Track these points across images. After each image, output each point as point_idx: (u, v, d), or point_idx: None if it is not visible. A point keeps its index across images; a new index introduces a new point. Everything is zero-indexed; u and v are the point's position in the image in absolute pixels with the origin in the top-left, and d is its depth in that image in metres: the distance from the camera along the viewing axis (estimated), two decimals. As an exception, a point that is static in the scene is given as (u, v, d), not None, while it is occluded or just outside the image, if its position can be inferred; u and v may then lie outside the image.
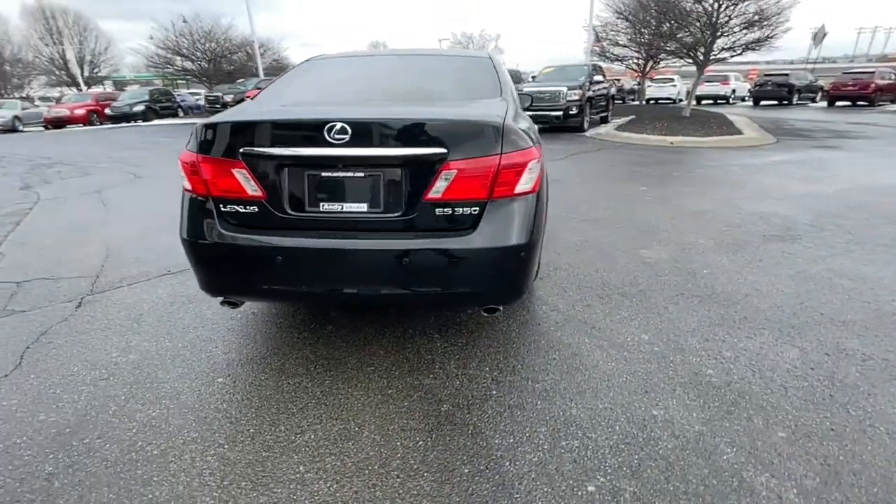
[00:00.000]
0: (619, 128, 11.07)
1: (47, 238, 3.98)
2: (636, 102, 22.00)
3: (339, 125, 1.64)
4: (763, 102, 20.72)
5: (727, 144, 8.67)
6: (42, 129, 18.55)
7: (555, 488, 1.42)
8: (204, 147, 1.78)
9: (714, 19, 10.50)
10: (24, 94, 24.78)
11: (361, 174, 1.72)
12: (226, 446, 1.62)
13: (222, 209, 1.81)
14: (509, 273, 1.83)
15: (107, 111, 19.23)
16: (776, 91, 20.19)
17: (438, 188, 1.69)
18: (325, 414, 1.77)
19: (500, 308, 1.96)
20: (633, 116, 13.73)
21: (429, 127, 1.69)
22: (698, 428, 1.66)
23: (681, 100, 21.75)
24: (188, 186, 1.85)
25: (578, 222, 4.09)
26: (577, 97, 10.59)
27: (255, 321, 2.46)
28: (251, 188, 1.75)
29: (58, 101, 24.17)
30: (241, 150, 1.72)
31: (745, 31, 11.10)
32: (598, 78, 11.71)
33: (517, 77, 16.55)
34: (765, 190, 5.18)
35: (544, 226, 2.07)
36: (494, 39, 49.64)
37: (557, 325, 2.37)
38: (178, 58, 25.83)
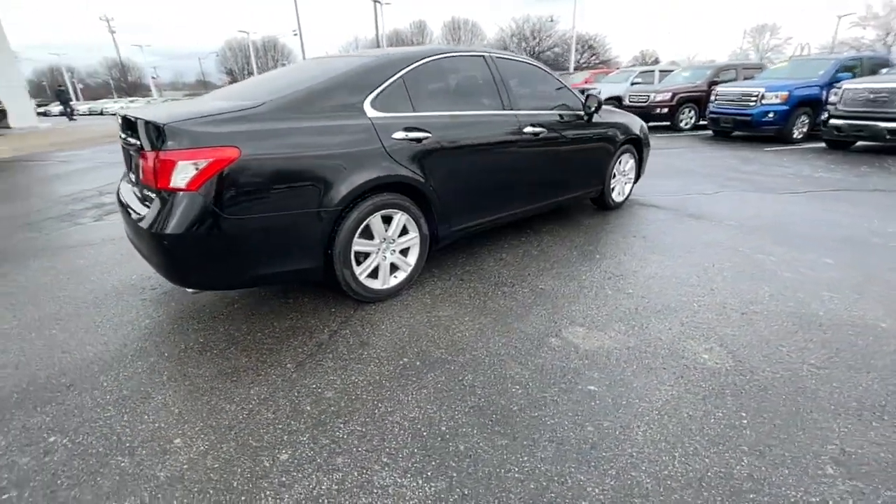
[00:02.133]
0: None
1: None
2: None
3: (120, 118, 2.44)
4: None
5: None
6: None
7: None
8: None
9: None
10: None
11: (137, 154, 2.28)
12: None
13: (125, 172, 2.70)
14: (168, 258, 2.13)
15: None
16: None
17: (141, 172, 2.14)
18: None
19: (190, 290, 2.53)
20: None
21: (138, 122, 2.17)
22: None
23: None
24: None
25: (592, 268, 3.46)
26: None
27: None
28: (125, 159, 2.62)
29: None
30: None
31: None
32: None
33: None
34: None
35: (232, 228, 2.13)
36: None
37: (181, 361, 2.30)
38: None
